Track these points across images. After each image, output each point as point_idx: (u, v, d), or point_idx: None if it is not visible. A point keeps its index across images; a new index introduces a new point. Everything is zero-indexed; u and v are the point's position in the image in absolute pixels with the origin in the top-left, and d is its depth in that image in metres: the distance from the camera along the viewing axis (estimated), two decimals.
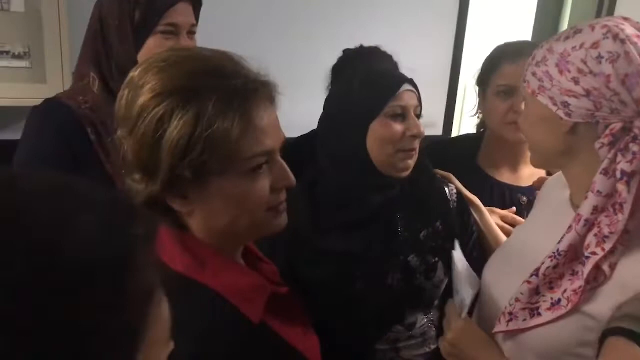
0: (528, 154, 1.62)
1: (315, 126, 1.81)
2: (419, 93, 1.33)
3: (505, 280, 1.13)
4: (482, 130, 1.80)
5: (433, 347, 1.38)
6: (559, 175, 1.18)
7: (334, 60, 1.85)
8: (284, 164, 0.92)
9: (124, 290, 0.46)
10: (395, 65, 1.81)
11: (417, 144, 1.31)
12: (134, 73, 0.87)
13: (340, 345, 1.24)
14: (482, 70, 1.69)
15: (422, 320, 1.37)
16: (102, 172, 1.36)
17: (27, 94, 1.95)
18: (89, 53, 1.45)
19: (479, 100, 1.73)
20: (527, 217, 1.56)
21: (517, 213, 1.61)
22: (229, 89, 0.83)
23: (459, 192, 1.49)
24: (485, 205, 1.56)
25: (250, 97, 0.85)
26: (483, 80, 1.69)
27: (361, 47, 1.85)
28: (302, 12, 2.55)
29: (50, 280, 0.43)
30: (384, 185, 1.33)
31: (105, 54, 1.42)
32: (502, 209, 1.60)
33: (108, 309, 0.45)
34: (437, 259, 1.35)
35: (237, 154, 0.85)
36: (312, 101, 1.86)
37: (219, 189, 0.86)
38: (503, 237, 1.50)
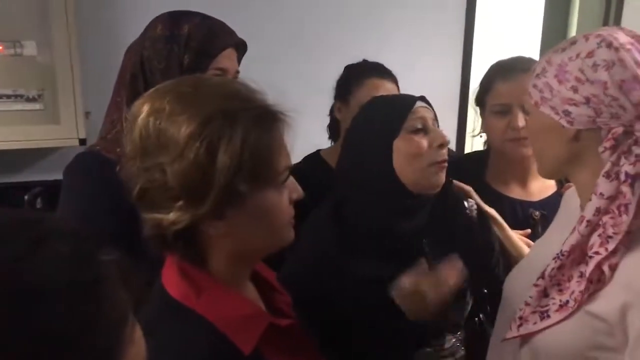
0: (535, 168, 1.64)
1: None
2: (432, 109, 1.35)
3: (524, 290, 1.14)
4: (488, 147, 1.80)
5: None
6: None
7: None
8: (292, 178, 0.99)
9: (96, 314, 0.50)
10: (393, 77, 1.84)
11: (446, 154, 1.31)
12: (159, 103, 0.89)
13: None
14: (478, 91, 1.72)
15: (451, 341, 1.37)
16: None
17: (41, 136, 2.00)
18: (126, 97, 1.41)
19: (481, 120, 1.75)
20: (541, 231, 1.57)
21: (530, 227, 1.61)
22: (261, 109, 0.91)
23: (479, 207, 1.49)
24: None
25: (277, 116, 0.93)
26: (480, 101, 1.71)
27: (364, 61, 1.89)
28: (305, 37, 2.58)
29: (17, 306, 0.46)
30: (414, 207, 1.32)
31: None
32: (515, 225, 1.59)
33: (80, 331, 0.48)
34: (465, 283, 1.34)
35: (274, 168, 0.92)
36: (315, 124, 1.88)
37: (256, 204, 0.91)
38: (527, 250, 1.50)
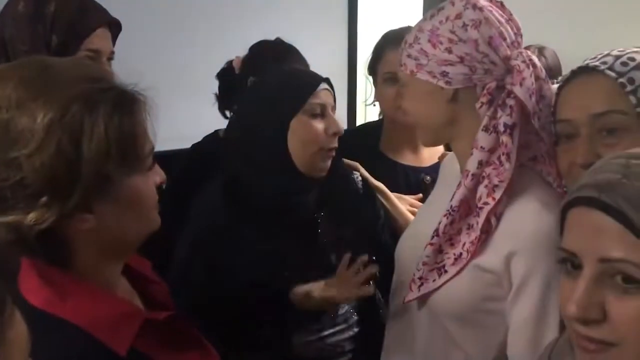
0: None
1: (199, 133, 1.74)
2: (334, 92, 1.36)
3: (417, 253, 1.17)
4: (382, 117, 1.85)
5: (356, 329, 1.42)
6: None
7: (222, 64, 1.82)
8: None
9: None
10: (305, 64, 1.79)
11: (336, 142, 1.33)
12: (2, 90, 0.80)
13: (262, 344, 1.28)
14: (369, 59, 1.76)
15: (344, 307, 1.40)
16: None
17: None
18: None
19: (374, 88, 1.79)
20: None
21: (422, 192, 1.67)
22: (118, 91, 0.86)
23: (365, 180, 1.54)
24: (391, 188, 1.61)
25: (136, 98, 0.88)
26: (372, 69, 1.76)
27: (278, 39, 1.82)
28: (187, 13, 2.51)
29: None
30: (303, 188, 1.34)
31: None
32: (407, 190, 1.65)
33: None
34: (356, 254, 1.38)
35: (140, 153, 0.88)
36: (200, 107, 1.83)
37: (124, 192, 0.87)
38: (412, 217, 1.55)
